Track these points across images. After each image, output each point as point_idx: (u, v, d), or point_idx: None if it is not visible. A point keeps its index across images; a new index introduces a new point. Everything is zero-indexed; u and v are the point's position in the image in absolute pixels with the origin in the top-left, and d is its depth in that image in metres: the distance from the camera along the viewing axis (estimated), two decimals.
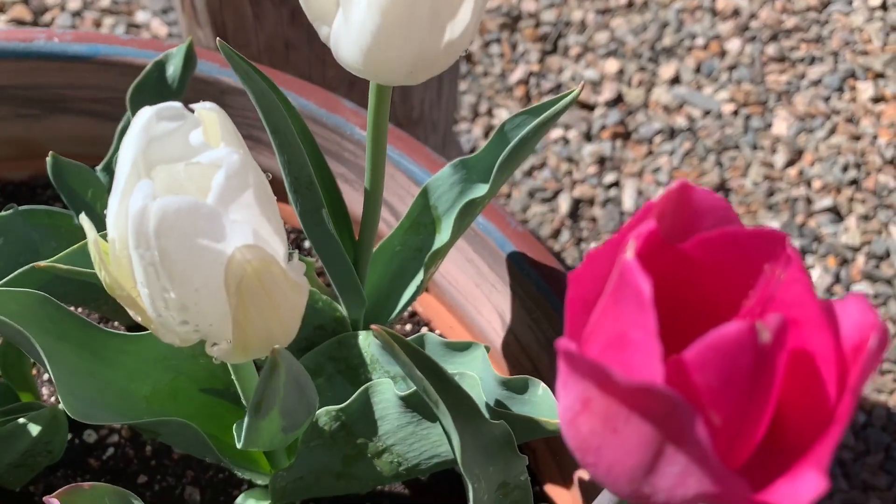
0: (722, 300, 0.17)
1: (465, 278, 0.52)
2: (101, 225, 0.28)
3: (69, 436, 0.52)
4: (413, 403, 0.38)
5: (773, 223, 1.21)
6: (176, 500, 0.51)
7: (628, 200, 1.24)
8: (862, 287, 1.18)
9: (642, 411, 0.15)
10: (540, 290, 0.47)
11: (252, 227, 0.23)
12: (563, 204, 1.19)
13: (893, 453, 1.08)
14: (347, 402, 0.39)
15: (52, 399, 0.51)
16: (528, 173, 1.23)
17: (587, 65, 1.30)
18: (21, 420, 0.40)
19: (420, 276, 0.45)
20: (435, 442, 0.40)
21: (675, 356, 0.16)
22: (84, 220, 0.25)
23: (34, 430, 0.41)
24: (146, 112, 0.24)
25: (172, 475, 0.52)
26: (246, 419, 0.29)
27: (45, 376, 0.54)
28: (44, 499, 0.29)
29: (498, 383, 0.38)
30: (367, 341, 0.44)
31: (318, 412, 0.39)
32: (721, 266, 0.18)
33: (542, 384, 0.37)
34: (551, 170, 1.21)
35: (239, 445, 0.32)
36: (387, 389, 0.39)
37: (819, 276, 1.17)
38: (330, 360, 0.45)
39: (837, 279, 1.17)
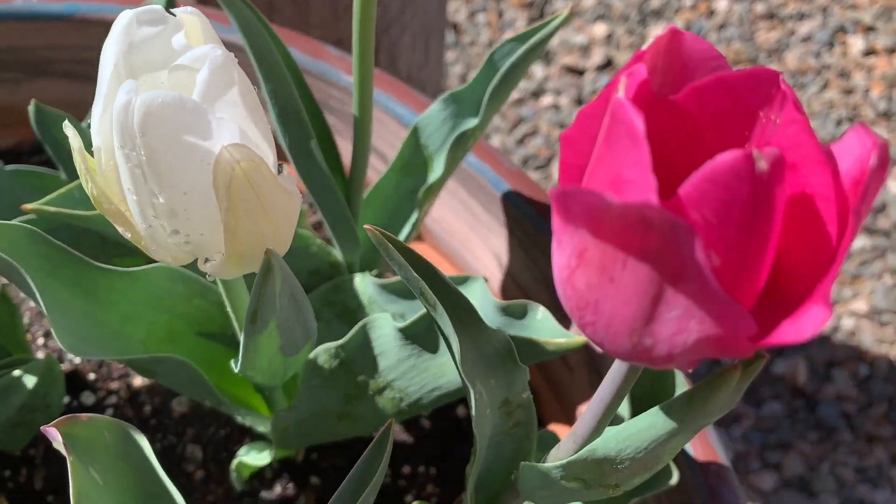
0: (718, 152, 0.17)
1: (460, 223, 0.51)
2: None
3: (67, 398, 0.52)
4: (412, 335, 0.38)
5: None
6: (177, 458, 0.50)
7: None
8: (860, 241, 1.18)
9: (638, 251, 0.15)
10: (536, 227, 0.46)
11: (239, 127, 0.22)
12: (557, 171, 1.18)
13: None
14: (346, 338, 0.38)
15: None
16: (521, 141, 1.23)
17: (576, 30, 1.29)
18: (16, 373, 0.40)
19: (415, 215, 0.44)
20: (435, 374, 0.39)
21: (672, 198, 0.15)
22: (67, 128, 0.25)
23: (30, 381, 0.40)
24: (126, 15, 0.23)
25: (173, 433, 0.51)
26: (242, 338, 0.28)
27: (40, 340, 0.54)
28: (41, 428, 0.28)
29: (497, 310, 0.37)
30: (364, 283, 0.44)
31: (317, 350, 0.39)
32: (715, 117, 0.17)
33: (542, 307, 0.37)
34: (543, 137, 1.21)
35: (236, 369, 0.32)
36: (385, 324, 0.38)
37: None
38: (327, 306, 0.45)
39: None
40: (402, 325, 0.37)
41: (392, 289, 0.42)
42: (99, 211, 0.25)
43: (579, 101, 1.26)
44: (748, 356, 0.17)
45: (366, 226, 0.24)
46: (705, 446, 0.40)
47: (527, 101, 1.25)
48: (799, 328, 0.15)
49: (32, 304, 0.55)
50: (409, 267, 0.24)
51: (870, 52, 1.26)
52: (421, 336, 0.38)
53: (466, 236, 0.51)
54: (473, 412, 0.29)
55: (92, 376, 0.53)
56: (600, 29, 1.28)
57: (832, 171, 0.16)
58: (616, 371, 0.21)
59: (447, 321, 0.26)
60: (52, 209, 0.35)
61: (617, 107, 0.15)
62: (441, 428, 0.52)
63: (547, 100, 1.26)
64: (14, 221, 0.37)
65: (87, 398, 0.52)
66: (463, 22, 1.30)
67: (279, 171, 0.25)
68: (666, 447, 0.21)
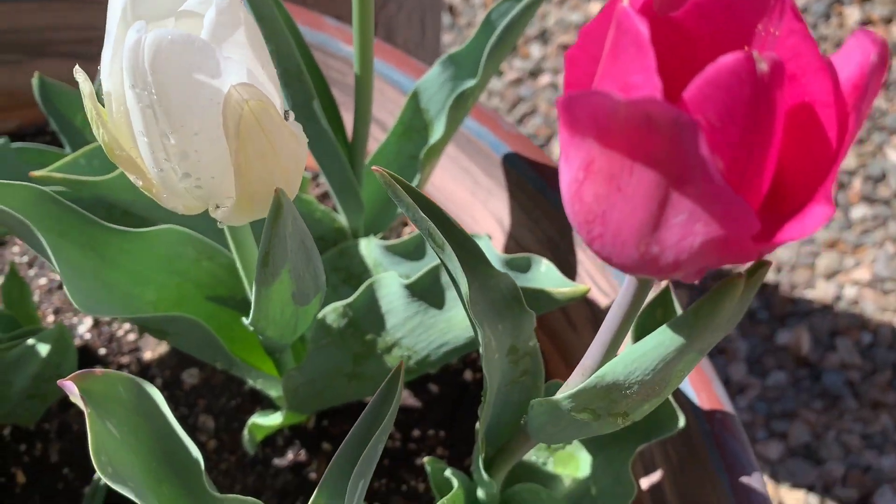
0: None
1: (461, 189, 0.52)
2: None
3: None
4: (418, 291, 0.38)
5: None
6: (189, 428, 0.51)
7: None
8: (860, 210, 1.18)
9: (645, 156, 0.15)
10: (537, 188, 0.47)
11: (247, 67, 0.23)
12: (557, 149, 1.19)
13: None
14: (353, 297, 0.39)
15: None
16: (520, 121, 1.23)
17: (571, 8, 1.29)
18: (29, 342, 0.41)
19: (417, 178, 0.45)
20: (443, 330, 0.40)
21: (677, 103, 0.16)
22: (78, 73, 0.25)
23: (43, 350, 0.41)
24: None
25: (185, 405, 0.52)
26: (254, 285, 0.29)
27: (50, 318, 0.54)
28: (58, 382, 0.29)
29: (501, 264, 0.38)
30: (369, 247, 0.44)
31: (325, 310, 0.39)
32: (715, 33, 0.18)
33: (545, 260, 0.37)
34: (542, 116, 1.21)
35: (248, 321, 0.32)
36: (392, 282, 0.39)
37: None
38: (333, 271, 0.45)
39: (836, 203, 1.18)
40: (408, 281, 0.38)
41: (397, 250, 0.42)
42: (110, 158, 0.25)
43: None
44: (752, 259, 0.17)
45: (374, 167, 0.25)
46: (710, 395, 0.41)
47: (525, 80, 1.25)
48: (802, 225, 0.16)
49: (42, 281, 0.56)
50: (416, 207, 0.25)
51: (866, 22, 1.26)
52: (427, 292, 0.38)
53: (468, 201, 0.51)
54: (483, 354, 0.29)
55: (102, 351, 0.53)
56: (595, 7, 1.28)
57: (832, 78, 0.16)
58: (623, 295, 0.21)
59: (455, 261, 0.26)
60: (59, 175, 0.35)
61: (622, 16, 0.16)
62: (449, 393, 0.53)
63: (545, 79, 1.26)
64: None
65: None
66: (459, 4, 1.30)
67: (286, 117, 0.26)
68: (674, 367, 0.21)
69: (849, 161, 1.22)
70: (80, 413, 0.51)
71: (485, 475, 0.33)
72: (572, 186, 0.18)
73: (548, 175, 0.46)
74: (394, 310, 0.39)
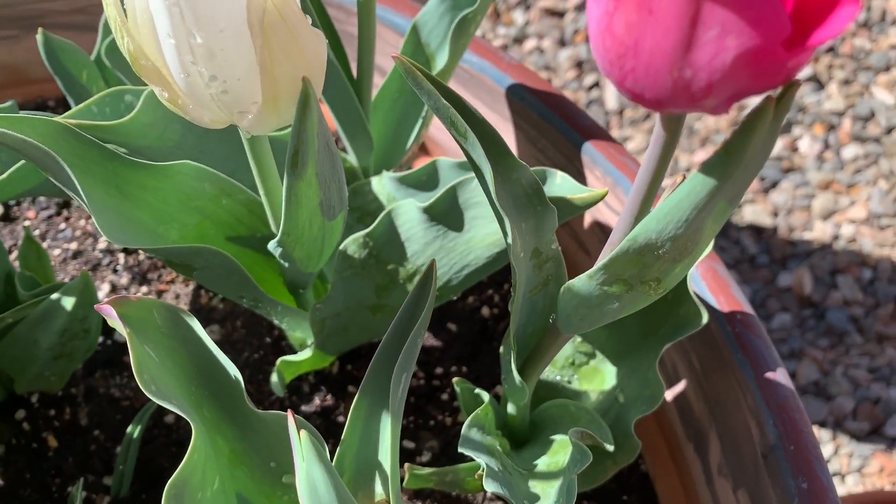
0: None
1: None
2: None
3: (100, 338, 0.53)
4: (436, 214, 0.39)
5: (756, 100, 1.21)
6: None
7: (611, 99, 1.24)
8: (851, 149, 1.19)
9: None
10: (543, 116, 0.47)
11: None
12: None
13: None
14: (372, 226, 0.39)
15: None
16: None
17: None
18: (54, 296, 0.41)
19: (423, 113, 0.45)
20: (463, 252, 0.40)
21: None
22: None
23: (68, 303, 0.41)
24: None
25: None
26: (284, 193, 0.29)
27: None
28: (95, 307, 0.29)
29: None
30: (381, 183, 0.45)
31: (345, 241, 0.40)
32: None
33: (560, 172, 0.38)
34: None
35: (274, 243, 0.33)
36: (409, 209, 0.39)
37: (808, 144, 1.18)
38: (348, 212, 0.46)
39: (827, 145, 1.19)
40: (425, 205, 0.38)
41: (410, 181, 0.43)
42: (135, 71, 0.26)
43: (562, 42, 1.27)
44: (782, 78, 0.18)
45: (392, 55, 0.25)
46: (729, 298, 0.41)
47: (510, 47, 1.25)
48: (832, 26, 0.16)
49: (56, 252, 0.56)
50: (437, 94, 0.25)
51: None
52: (445, 215, 0.39)
53: None
54: (510, 251, 0.30)
55: None
56: None
57: None
58: (651, 149, 0.22)
59: (479, 149, 0.26)
60: (74, 122, 0.36)
61: None
62: (468, 330, 0.53)
63: (530, 44, 1.26)
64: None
65: (120, 336, 0.53)
66: None
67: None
68: (706, 218, 0.22)
69: (836, 102, 1.23)
70: (106, 376, 0.52)
71: (516, 377, 0.34)
72: (602, 21, 0.18)
73: (551, 102, 0.47)
74: (413, 237, 0.40)
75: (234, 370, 0.32)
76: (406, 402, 0.51)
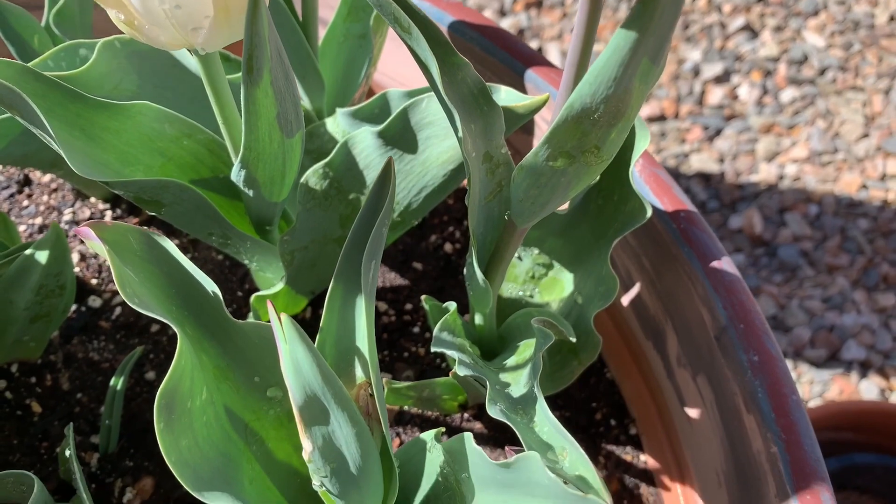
0: None
1: (411, 70, 0.54)
2: None
3: (74, 306, 0.54)
4: (391, 137, 0.41)
5: (695, 53, 1.25)
6: None
7: (555, 63, 1.26)
8: (789, 93, 1.23)
9: None
10: (486, 50, 0.49)
11: None
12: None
13: (848, 234, 1.14)
14: (331, 155, 0.41)
15: None
16: None
17: None
18: (28, 252, 0.42)
19: (368, 58, 0.47)
20: (420, 173, 0.42)
21: None
22: None
23: (42, 257, 0.42)
24: None
25: None
26: (242, 104, 0.31)
27: None
28: (74, 230, 0.30)
29: None
30: (335, 122, 0.46)
31: (306, 174, 0.42)
32: None
33: (503, 86, 0.40)
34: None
35: (237, 166, 0.34)
36: (365, 136, 0.41)
37: (747, 91, 1.22)
38: (305, 155, 0.48)
39: (765, 90, 1.23)
40: (379, 128, 0.40)
41: (363, 115, 0.45)
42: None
43: (502, 12, 1.29)
44: None
45: None
46: (672, 198, 0.44)
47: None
48: None
49: (21, 228, 0.57)
50: None
51: None
52: (399, 137, 0.41)
53: (421, 80, 0.53)
54: (463, 152, 0.31)
55: (94, 281, 0.55)
56: None
57: None
58: (581, 9, 0.24)
59: (423, 43, 0.28)
60: (35, 69, 0.37)
61: None
62: (434, 267, 0.55)
63: None
64: None
65: (95, 302, 0.54)
66: None
67: None
68: (634, 74, 0.24)
69: (771, 49, 1.27)
70: (83, 342, 0.53)
71: (480, 276, 0.36)
72: None
73: (492, 35, 0.49)
74: (371, 164, 0.42)
75: (212, 286, 0.33)
76: (379, 337, 0.53)
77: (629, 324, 0.49)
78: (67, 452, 0.37)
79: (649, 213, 0.39)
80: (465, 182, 0.55)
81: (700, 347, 0.43)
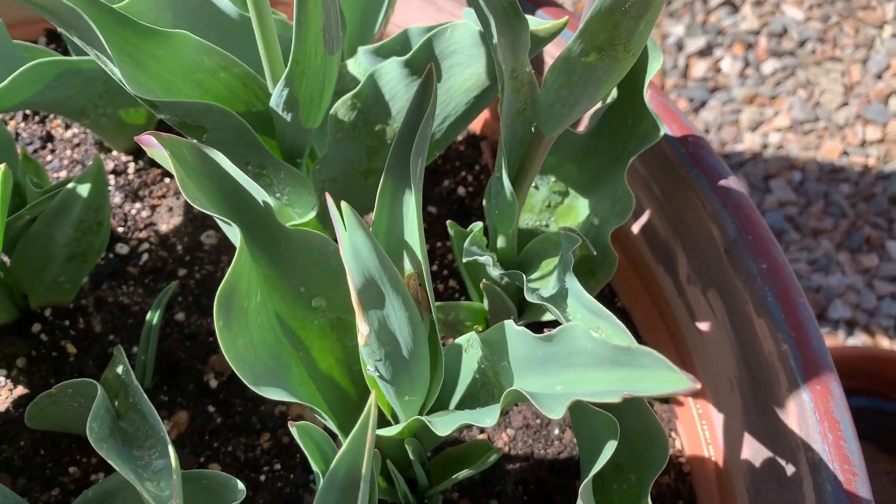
0: None
1: (425, 19, 0.56)
2: None
3: (103, 253, 0.55)
4: (417, 67, 0.43)
5: (678, 28, 1.28)
6: (217, 282, 0.55)
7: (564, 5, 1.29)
8: (770, 64, 1.27)
9: None
10: None
11: None
12: None
13: (831, 198, 1.18)
14: (358, 87, 0.43)
15: None
16: None
17: None
18: (70, 185, 0.44)
19: (384, 6, 0.49)
20: (443, 102, 0.45)
21: None
22: None
23: (84, 190, 0.44)
24: None
25: (209, 263, 0.56)
26: (295, 14, 0.33)
27: None
28: (135, 138, 0.32)
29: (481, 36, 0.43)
30: (357, 62, 0.49)
31: (335, 105, 0.44)
32: None
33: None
34: None
35: (282, 85, 0.37)
36: (391, 67, 0.43)
37: (730, 64, 1.26)
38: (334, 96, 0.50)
39: (747, 63, 1.26)
40: (405, 58, 0.42)
41: (385, 51, 0.47)
42: None
43: None
44: None
45: None
46: (680, 125, 0.47)
47: None
48: None
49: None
50: None
51: None
52: (424, 66, 0.43)
53: None
54: (494, 54, 0.34)
55: (120, 230, 0.56)
56: None
57: None
58: None
59: None
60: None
61: None
62: (448, 210, 0.58)
63: None
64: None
65: (122, 249, 0.56)
66: None
67: None
68: None
69: (751, 22, 1.30)
70: (113, 287, 0.54)
71: (508, 187, 0.39)
72: None
73: None
74: (397, 95, 0.44)
75: (262, 195, 0.35)
76: None
77: (640, 251, 0.51)
78: (120, 369, 0.39)
79: (663, 131, 0.42)
80: (488, 115, 0.56)
81: (710, 263, 0.45)
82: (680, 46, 1.27)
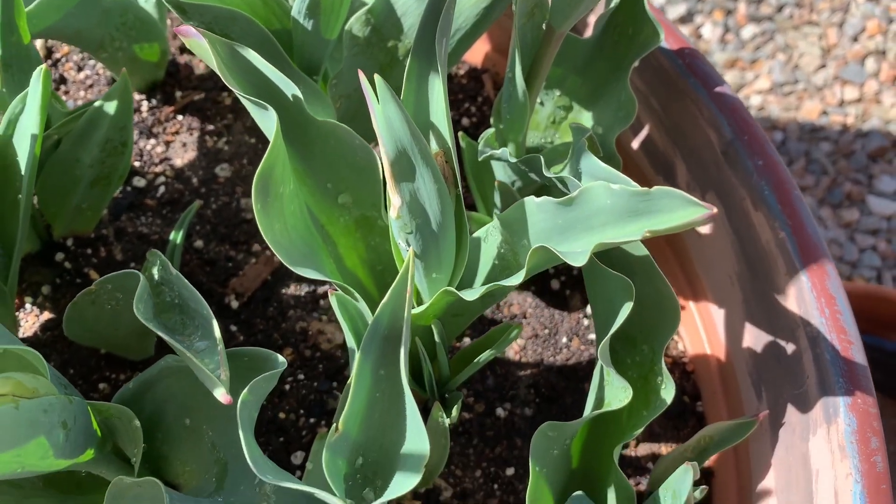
0: None
1: None
2: None
3: (120, 187, 0.57)
4: None
5: None
6: (233, 211, 0.57)
7: None
8: (749, 29, 1.30)
9: None
10: None
11: None
12: None
13: (812, 156, 1.21)
14: (372, 2, 0.45)
15: None
16: None
17: None
18: (97, 103, 0.46)
19: None
20: (454, 16, 0.47)
21: None
22: None
23: (111, 107, 0.46)
24: None
25: (224, 194, 0.58)
26: None
27: None
28: (174, 29, 0.34)
29: None
30: None
31: (349, 21, 0.46)
32: None
33: None
34: None
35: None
36: None
37: (710, 30, 1.29)
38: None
39: (727, 28, 1.30)
40: None
41: None
42: None
43: None
44: None
45: None
46: (676, 38, 0.49)
47: None
48: None
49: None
50: None
51: None
52: None
53: None
54: None
55: (137, 164, 0.58)
56: None
57: None
58: None
59: None
60: None
61: None
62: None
63: None
64: None
65: (139, 182, 0.57)
66: None
67: None
68: None
69: None
70: (132, 218, 0.56)
71: (520, 81, 0.41)
72: None
73: None
74: (408, 11, 0.46)
75: (292, 89, 0.37)
76: None
77: (640, 166, 0.54)
78: (157, 265, 0.41)
79: (662, 35, 0.44)
80: (489, 48, 0.58)
81: (708, 167, 0.48)
82: (661, 13, 1.30)
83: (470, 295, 0.35)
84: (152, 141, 0.59)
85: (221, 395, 0.32)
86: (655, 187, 0.29)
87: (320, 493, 0.29)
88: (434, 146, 0.36)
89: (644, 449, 0.49)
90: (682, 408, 0.50)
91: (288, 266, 0.36)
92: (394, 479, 0.31)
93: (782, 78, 1.26)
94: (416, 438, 0.31)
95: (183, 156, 0.59)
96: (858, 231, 1.18)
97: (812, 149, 1.22)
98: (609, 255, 0.38)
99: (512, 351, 0.52)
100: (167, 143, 0.59)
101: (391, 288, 0.31)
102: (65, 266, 0.54)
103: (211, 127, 0.60)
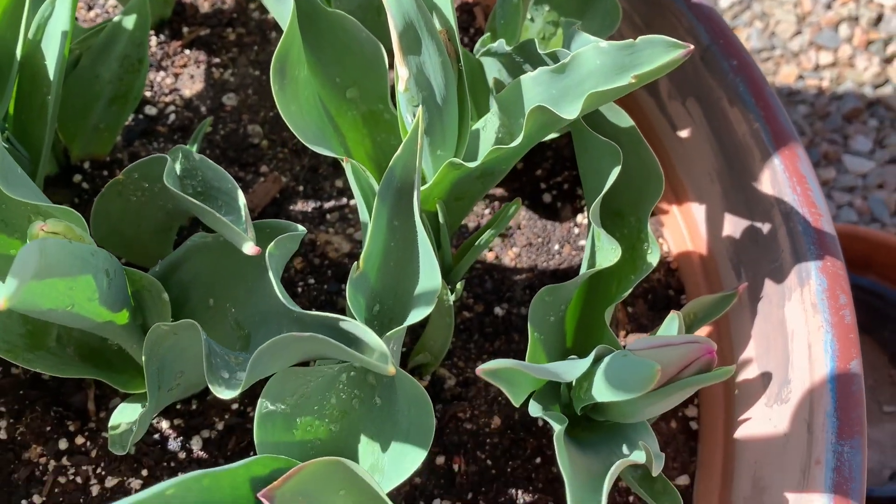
0: None
1: None
2: None
3: (132, 115, 0.60)
4: None
5: None
6: (241, 137, 0.60)
7: None
8: None
9: None
10: None
11: None
12: None
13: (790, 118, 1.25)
14: None
15: None
16: None
17: None
18: (116, 18, 0.49)
19: None
20: None
21: None
22: None
23: (129, 22, 0.49)
24: None
25: (232, 121, 0.61)
26: None
27: None
28: None
29: None
30: None
31: None
32: None
33: None
34: None
35: None
36: None
37: None
38: None
39: None
40: None
41: None
42: None
43: None
44: None
45: None
46: None
47: None
48: None
49: None
50: None
51: None
52: None
53: None
54: None
55: (148, 94, 0.61)
56: None
57: None
58: None
59: None
60: None
61: None
62: None
63: None
64: None
65: (151, 110, 0.60)
66: None
67: None
68: None
69: None
70: (144, 143, 0.59)
71: None
72: None
73: None
74: None
75: None
76: None
77: None
78: (177, 164, 0.44)
79: None
80: None
81: (687, 74, 0.52)
82: None
83: (473, 163, 0.38)
84: (162, 73, 0.62)
85: (250, 247, 0.35)
86: (640, 37, 0.33)
87: (348, 322, 0.32)
88: (438, 25, 0.40)
89: (633, 339, 0.52)
90: (667, 301, 0.54)
91: (304, 143, 0.39)
92: (410, 313, 0.34)
93: (760, 44, 1.30)
94: (429, 273, 0.34)
95: (191, 87, 0.62)
96: (835, 189, 1.22)
97: (790, 112, 1.26)
98: (597, 128, 0.41)
99: (508, 258, 0.56)
100: (176, 75, 0.62)
101: (403, 142, 0.34)
102: (83, 187, 0.57)
103: (217, 60, 0.63)
